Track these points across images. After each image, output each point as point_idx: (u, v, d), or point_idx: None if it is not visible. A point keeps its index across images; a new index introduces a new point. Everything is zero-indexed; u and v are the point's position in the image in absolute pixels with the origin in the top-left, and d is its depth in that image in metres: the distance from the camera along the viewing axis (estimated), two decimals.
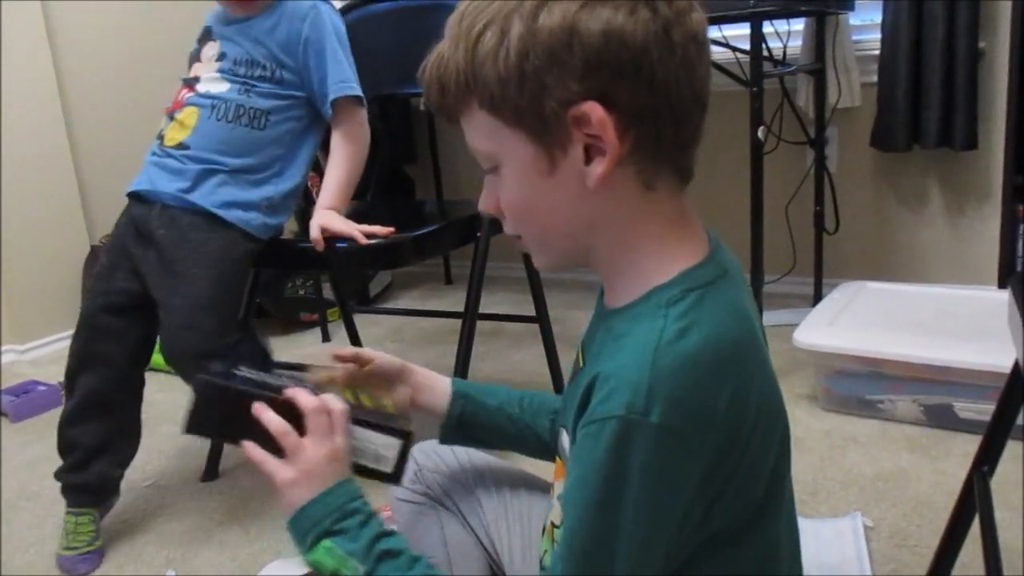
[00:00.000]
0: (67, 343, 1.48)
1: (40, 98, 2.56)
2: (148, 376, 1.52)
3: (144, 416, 1.52)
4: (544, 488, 0.94)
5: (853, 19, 2.32)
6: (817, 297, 2.39)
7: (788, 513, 0.72)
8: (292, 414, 0.76)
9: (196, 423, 0.79)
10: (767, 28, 2.21)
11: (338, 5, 1.69)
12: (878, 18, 2.24)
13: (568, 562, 0.62)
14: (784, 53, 2.36)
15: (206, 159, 1.45)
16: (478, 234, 1.64)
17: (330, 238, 1.44)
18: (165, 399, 1.91)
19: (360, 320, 2.24)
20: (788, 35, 2.35)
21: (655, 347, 0.60)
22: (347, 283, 2.55)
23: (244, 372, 0.83)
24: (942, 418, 1.64)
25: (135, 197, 1.49)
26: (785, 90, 2.40)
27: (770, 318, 2.15)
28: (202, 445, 1.74)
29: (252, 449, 0.76)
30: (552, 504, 0.80)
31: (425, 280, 3.17)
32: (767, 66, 2.05)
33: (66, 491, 1.46)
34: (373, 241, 1.43)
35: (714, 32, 2.24)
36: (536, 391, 0.96)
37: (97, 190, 2.70)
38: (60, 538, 1.44)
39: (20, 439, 1.98)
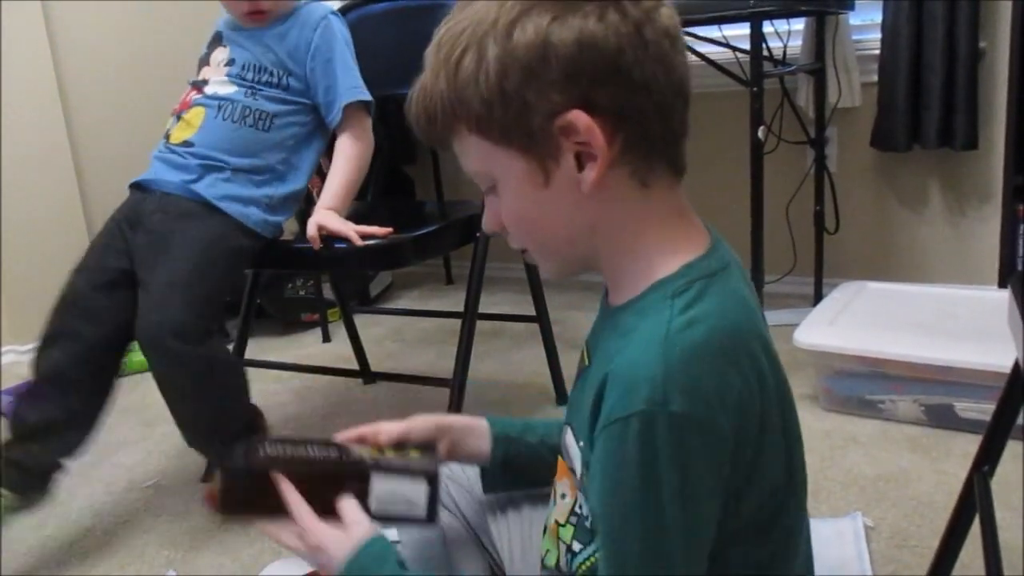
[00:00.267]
0: None
1: (40, 98, 2.55)
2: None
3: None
4: None
5: (853, 19, 2.32)
6: (817, 297, 2.39)
7: (802, 502, 0.73)
8: (318, 485, 0.79)
9: (229, 505, 0.82)
10: (767, 28, 2.21)
11: (337, 5, 1.69)
12: (878, 18, 2.24)
13: (622, 562, 0.62)
14: (784, 53, 2.36)
15: (210, 156, 1.47)
16: (478, 234, 1.64)
17: (327, 238, 1.44)
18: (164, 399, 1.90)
19: (360, 320, 2.24)
20: (788, 35, 2.35)
21: (664, 338, 0.60)
22: (347, 283, 2.55)
23: (268, 448, 0.84)
24: (943, 418, 1.64)
25: (136, 187, 1.51)
26: (785, 90, 2.40)
27: (770, 318, 2.13)
28: None
29: (271, 529, 0.79)
30: (554, 503, 0.80)
31: (425, 280, 3.17)
32: (767, 66, 2.05)
33: None
34: (370, 242, 1.42)
35: (714, 32, 2.24)
36: None
37: (97, 190, 2.69)
38: None
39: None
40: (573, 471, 0.74)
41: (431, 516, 0.82)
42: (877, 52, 2.24)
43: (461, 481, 0.96)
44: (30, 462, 1.37)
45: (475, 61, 0.63)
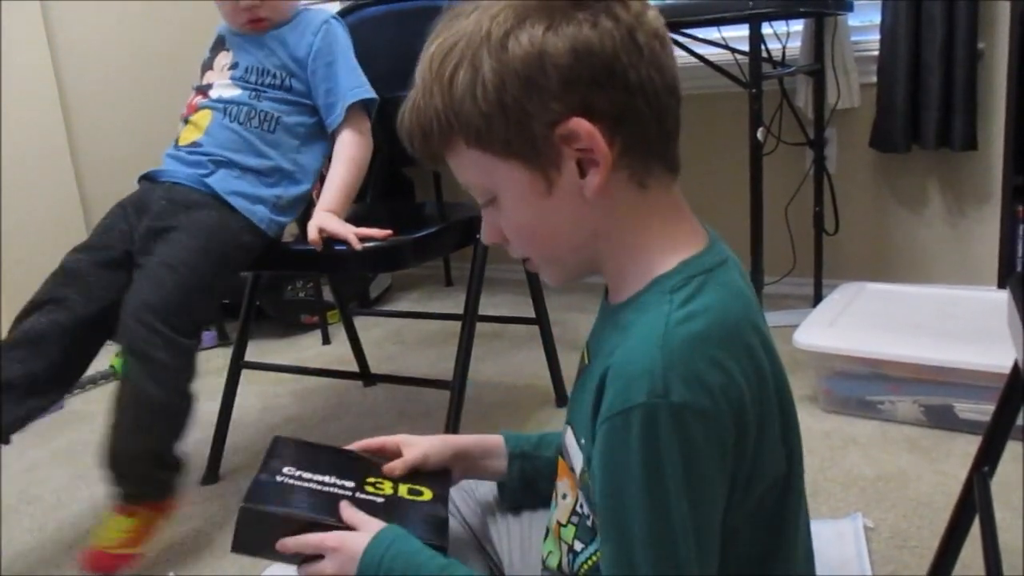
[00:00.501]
0: None
1: (40, 98, 2.56)
2: None
3: None
4: None
5: (852, 20, 2.32)
6: (817, 298, 2.39)
7: (801, 495, 0.73)
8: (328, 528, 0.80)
9: (242, 544, 0.83)
10: (766, 29, 2.21)
11: (336, 8, 1.70)
12: (877, 19, 2.25)
13: (629, 560, 0.61)
14: (783, 54, 2.36)
15: (219, 155, 1.48)
16: (478, 236, 1.64)
17: (327, 240, 1.44)
18: None
19: (360, 322, 2.24)
20: (787, 36, 2.35)
21: (663, 331, 0.61)
22: (347, 285, 2.55)
23: (286, 478, 0.85)
24: (942, 419, 1.64)
25: (146, 178, 1.52)
26: (784, 91, 2.40)
27: (770, 319, 2.13)
28: (203, 449, 1.74)
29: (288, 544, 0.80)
30: (555, 505, 0.80)
31: (425, 282, 3.17)
32: (766, 67, 2.05)
33: None
34: (369, 244, 1.42)
35: (713, 33, 2.24)
36: None
37: (97, 190, 2.69)
38: None
39: (20, 443, 1.97)
40: (573, 470, 0.74)
41: None
42: (876, 53, 2.24)
43: (461, 484, 0.96)
44: None
45: (470, 75, 0.63)
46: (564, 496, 0.78)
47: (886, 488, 1.45)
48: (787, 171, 2.45)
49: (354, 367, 2.11)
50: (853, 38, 2.32)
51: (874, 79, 2.26)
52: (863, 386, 1.71)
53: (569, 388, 0.83)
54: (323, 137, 1.60)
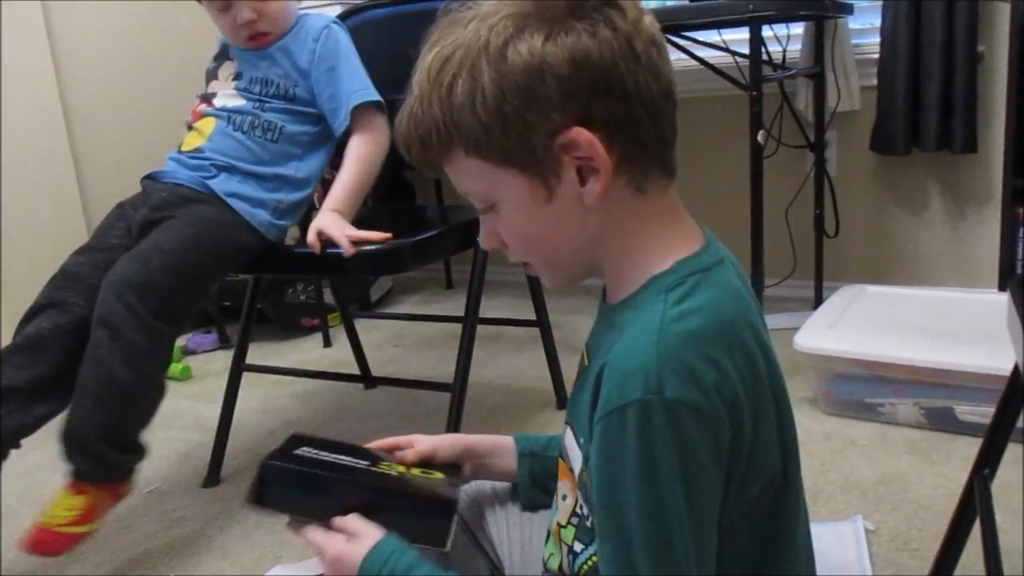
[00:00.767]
0: None
1: (40, 98, 2.56)
2: None
3: None
4: None
5: (852, 23, 2.32)
6: (817, 300, 2.39)
7: (799, 493, 0.73)
8: (347, 499, 0.82)
9: (258, 498, 0.84)
10: (766, 32, 2.22)
11: (335, 12, 1.70)
12: (877, 22, 2.25)
13: (627, 558, 0.61)
14: (784, 57, 2.37)
15: (221, 161, 1.50)
16: (478, 239, 1.64)
17: (326, 242, 1.43)
18: (165, 404, 1.90)
19: (361, 325, 2.24)
20: (787, 39, 2.36)
21: (658, 328, 0.61)
22: (348, 288, 2.55)
23: (306, 452, 0.88)
24: (943, 421, 1.64)
25: (148, 178, 1.53)
26: (785, 94, 2.41)
27: (770, 322, 2.13)
28: (204, 451, 1.74)
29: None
30: (556, 507, 0.80)
31: (426, 285, 3.17)
32: (766, 70, 2.06)
33: None
34: (364, 248, 1.42)
35: (713, 36, 2.25)
36: None
37: (97, 191, 2.69)
38: None
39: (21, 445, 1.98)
40: (572, 471, 0.74)
41: (443, 542, 0.84)
42: (876, 56, 2.25)
43: (464, 488, 0.96)
44: None
45: (469, 84, 0.63)
46: (564, 497, 0.78)
47: (886, 490, 1.45)
48: (787, 174, 2.45)
49: (355, 369, 2.12)
50: (853, 41, 2.33)
51: (874, 82, 2.27)
52: (863, 388, 1.71)
53: (569, 390, 0.83)
54: (326, 144, 1.61)
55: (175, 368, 2.31)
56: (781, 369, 0.70)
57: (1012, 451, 1.01)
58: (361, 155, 1.54)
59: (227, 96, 1.56)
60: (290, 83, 1.55)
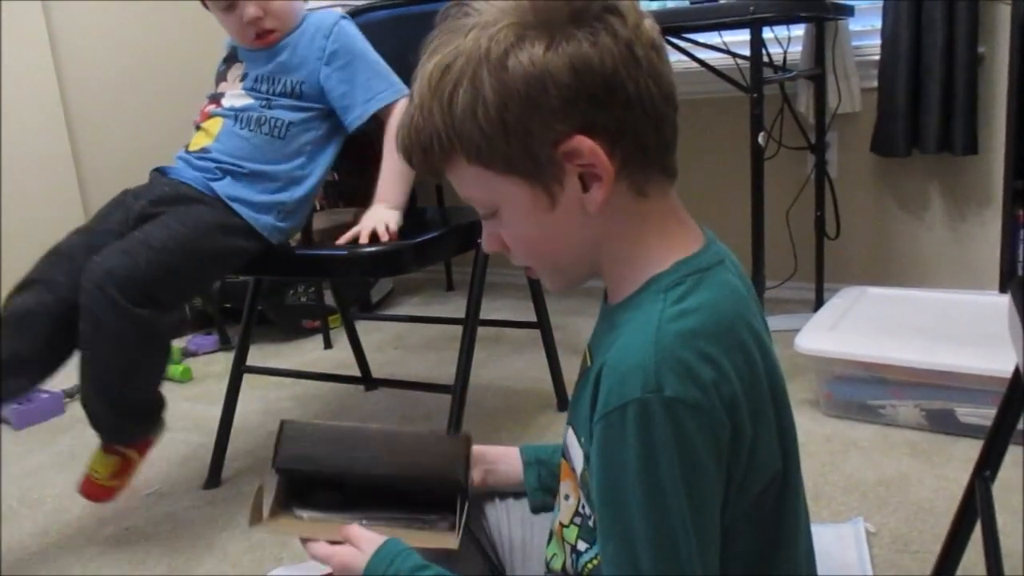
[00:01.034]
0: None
1: (40, 98, 2.56)
2: None
3: None
4: None
5: (853, 25, 2.32)
6: (818, 302, 2.39)
7: (799, 492, 0.73)
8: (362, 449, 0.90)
9: (282, 457, 0.90)
10: (767, 34, 2.22)
11: (339, 12, 1.70)
12: (878, 23, 2.25)
13: (630, 557, 0.61)
14: (784, 59, 2.37)
15: (227, 162, 1.50)
16: (479, 240, 1.64)
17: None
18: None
19: (362, 327, 2.24)
20: (788, 41, 2.36)
21: (656, 327, 0.62)
22: (349, 290, 2.55)
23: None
24: (944, 423, 1.64)
25: (157, 171, 1.53)
26: (785, 96, 2.41)
27: (771, 323, 2.13)
28: (204, 453, 1.74)
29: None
30: (558, 507, 0.80)
31: (426, 286, 3.17)
32: (767, 72, 2.06)
33: None
34: (367, 248, 1.43)
35: (714, 38, 2.25)
36: None
37: (97, 191, 2.69)
38: None
39: (22, 446, 1.98)
40: (575, 471, 0.74)
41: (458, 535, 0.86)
42: (877, 58, 2.25)
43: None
44: None
45: (470, 93, 0.63)
46: (567, 497, 0.78)
47: (887, 492, 1.45)
48: (788, 175, 2.45)
49: (356, 371, 2.12)
50: (854, 43, 2.33)
51: (875, 83, 2.27)
52: (864, 390, 1.71)
53: (570, 392, 0.84)
54: (336, 140, 1.61)
55: (176, 370, 2.31)
56: (781, 370, 0.70)
57: (1013, 453, 1.01)
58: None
59: (235, 96, 1.57)
60: (297, 80, 1.55)
